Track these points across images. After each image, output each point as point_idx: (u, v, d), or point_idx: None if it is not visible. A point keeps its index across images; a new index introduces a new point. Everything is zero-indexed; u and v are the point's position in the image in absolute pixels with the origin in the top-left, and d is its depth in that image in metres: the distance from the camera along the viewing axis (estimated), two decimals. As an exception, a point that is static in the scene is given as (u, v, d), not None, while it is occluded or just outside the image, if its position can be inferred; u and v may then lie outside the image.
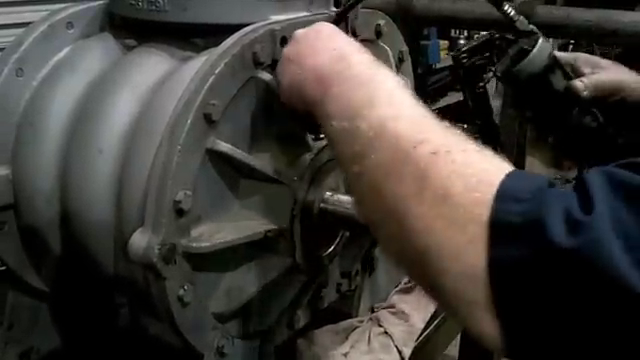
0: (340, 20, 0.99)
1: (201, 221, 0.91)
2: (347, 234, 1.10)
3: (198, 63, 0.93)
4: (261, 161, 0.94)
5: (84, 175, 0.97)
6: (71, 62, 1.07)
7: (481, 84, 1.04)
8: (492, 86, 5.25)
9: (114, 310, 1.17)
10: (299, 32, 0.90)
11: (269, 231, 0.94)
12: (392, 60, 1.21)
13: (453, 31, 4.93)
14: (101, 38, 1.11)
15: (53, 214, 1.03)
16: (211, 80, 0.87)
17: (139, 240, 0.85)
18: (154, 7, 1.00)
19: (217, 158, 0.90)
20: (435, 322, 1.41)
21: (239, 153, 0.91)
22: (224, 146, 0.89)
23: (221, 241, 0.89)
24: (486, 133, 1.10)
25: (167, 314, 0.89)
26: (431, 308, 1.42)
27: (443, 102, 4.44)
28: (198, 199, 0.88)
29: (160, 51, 1.04)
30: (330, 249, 1.07)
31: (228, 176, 0.94)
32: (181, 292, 0.88)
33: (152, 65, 1.02)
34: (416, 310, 1.39)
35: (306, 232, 1.00)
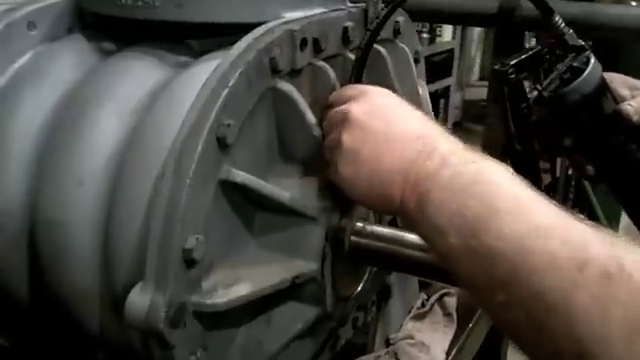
0: (380, 30, 0.82)
1: (213, 269, 0.73)
2: (374, 269, 0.94)
3: (200, 71, 0.75)
4: (284, 191, 0.76)
5: (61, 212, 0.78)
6: (36, 71, 0.87)
7: (525, 104, 0.88)
8: (453, 78, 5.12)
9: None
10: (356, 114, 0.72)
11: (297, 277, 0.77)
12: (412, 63, 1.06)
13: (416, 25, 4.82)
14: (71, 41, 0.91)
15: (20, 259, 0.83)
16: (224, 94, 0.69)
17: (139, 300, 0.67)
18: (141, 3, 0.81)
19: (232, 191, 0.73)
20: (453, 352, 1.27)
21: (259, 183, 0.74)
22: (241, 176, 0.72)
23: (241, 295, 0.72)
24: (525, 162, 0.95)
25: (173, 386, 0.72)
26: (449, 336, 1.28)
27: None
28: (210, 242, 0.71)
29: (148, 56, 0.85)
30: (358, 288, 0.91)
31: (243, 211, 0.76)
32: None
33: (140, 74, 0.82)
34: (435, 339, 1.25)
35: (336, 272, 0.83)
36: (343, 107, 0.74)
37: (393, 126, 0.70)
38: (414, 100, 1.03)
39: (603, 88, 0.87)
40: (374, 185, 0.69)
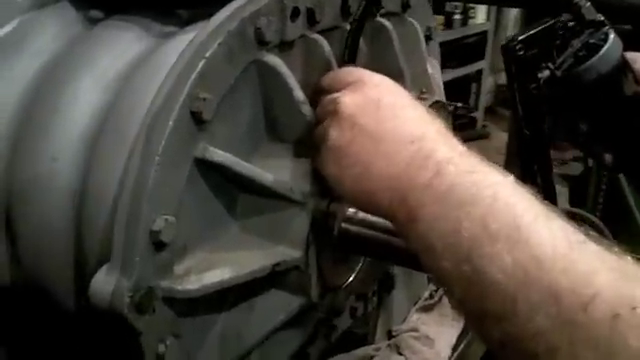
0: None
1: (188, 252, 0.69)
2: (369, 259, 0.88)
3: (182, 42, 0.70)
4: (267, 173, 0.71)
5: (34, 189, 0.74)
6: (19, 40, 0.83)
7: (535, 84, 0.81)
8: (486, 62, 4.96)
9: (76, 344, 0.95)
10: (346, 107, 0.65)
11: (277, 264, 0.72)
12: (422, 39, 0.99)
13: (448, 5, 4.70)
14: (58, 9, 0.87)
15: (-2, 235, 0.80)
16: (201, 66, 0.64)
17: (104, 283, 0.63)
18: (127, -32, 0.77)
19: (209, 170, 0.68)
20: (460, 347, 1.21)
21: (238, 163, 0.69)
22: (219, 154, 0.67)
23: (215, 281, 0.67)
24: (533, 147, 0.87)
25: (143, 375, 0.68)
26: (456, 330, 1.22)
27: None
28: (183, 224, 0.66)
29: (133, 26, 0.80)
30: (350, 278, 0.86)
31: (223, 192, 0.71)
32: (161, 348, 0.67)
33: (123, 44, 0.78)
34: (440, 333, 1.19)
35: (324, 261, 0.78)
36: (335, 96, 0.68)
37: (385, 125, 0.62)
38: (421, 79, 0.97)
39: (624, 67, 0.79)
40: (360, 190, 0.63)
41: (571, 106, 0.80)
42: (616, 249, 0.48)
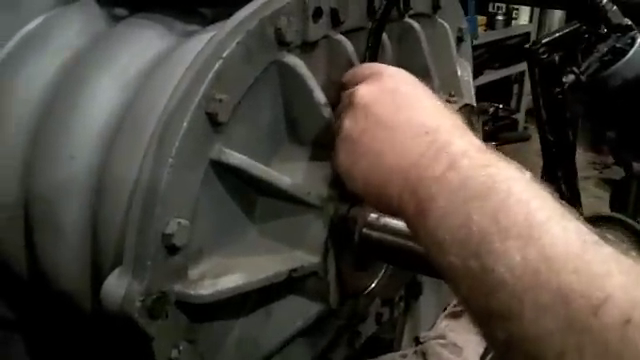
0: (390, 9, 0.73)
1: (203, 256, 0.67)
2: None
3: (203, 41, 0.69)
4: (285, 176, 0.69)
5: (52, 187, 0.74)
6: (43, 36, 0.83)
7: (559, 89, 0.78)
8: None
9: (94, 343, 0.95)
10: (361, 98, 0.64)
11: (294, 270, 0.70)
12: (452, 40, 0.96)
13: (491, 6, 4.62)
14: (83, 6, 0.87)
15: (16, 232, 0.80)
16: (217, 66, 0.62)
17: (115, 286, 0.62)
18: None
19: (225, 173, 0.66)
20: (489, 357, 1.18)
21: (254, 166, 0.67)
22: (235, 157, 0.65)
23: (229, 286, 0.66)
24: (557, 153, 0.84)
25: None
26: (485, 339, 1.19)
27: (478, 81, 4.18)
28: (199, 228, 0.65)
29: (155, 24, 0.79)
30: (372, 285, 0.83)
31: (240, 196, 0.70)
32: (174, 354, 0.65)
33: (144, 42, 0.77)
34: (468, 341, 1.16)
35: (343, 267, 0.76)
36: (352, 89, 0.66)
37: (400, 115, 0.61)
38: (450, 81, 0.94)
39: None
40: (371, 181, 0.61)
41: (597, 112, 0.77)
42: (633, 253, 0.45)
